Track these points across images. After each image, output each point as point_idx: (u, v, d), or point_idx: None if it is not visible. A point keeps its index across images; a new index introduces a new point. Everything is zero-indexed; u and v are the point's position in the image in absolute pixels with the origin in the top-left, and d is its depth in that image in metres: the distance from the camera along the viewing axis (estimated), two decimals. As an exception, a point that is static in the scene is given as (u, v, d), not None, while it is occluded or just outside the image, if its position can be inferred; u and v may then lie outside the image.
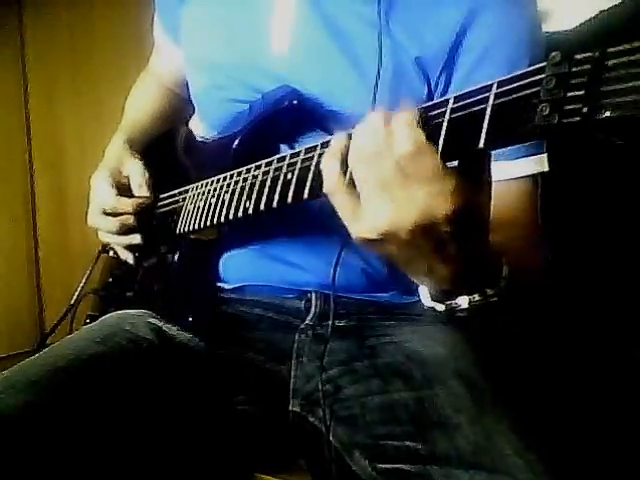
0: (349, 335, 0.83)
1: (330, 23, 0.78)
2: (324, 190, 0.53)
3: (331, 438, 0.75)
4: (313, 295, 0.85)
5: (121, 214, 0.91)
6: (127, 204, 0.91)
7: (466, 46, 0.75)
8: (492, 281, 0.56)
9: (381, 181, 0.48)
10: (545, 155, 0.78)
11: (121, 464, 0.67)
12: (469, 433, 0.64)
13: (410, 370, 0.74)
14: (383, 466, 0.66)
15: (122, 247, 0.95)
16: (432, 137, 0.47)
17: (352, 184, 0.51)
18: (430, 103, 0.49)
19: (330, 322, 0.78)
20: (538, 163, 0.78)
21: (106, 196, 0.91)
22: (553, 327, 1.11)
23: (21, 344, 1.65)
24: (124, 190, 0.93)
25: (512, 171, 0.76)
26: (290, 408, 0.82)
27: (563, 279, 1.02)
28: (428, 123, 0.48)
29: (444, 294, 0.58)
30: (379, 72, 0.73)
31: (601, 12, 1.05)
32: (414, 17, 0.76)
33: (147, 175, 0.93)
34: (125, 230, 0.91)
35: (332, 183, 0.52)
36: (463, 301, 0.57)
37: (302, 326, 0.85)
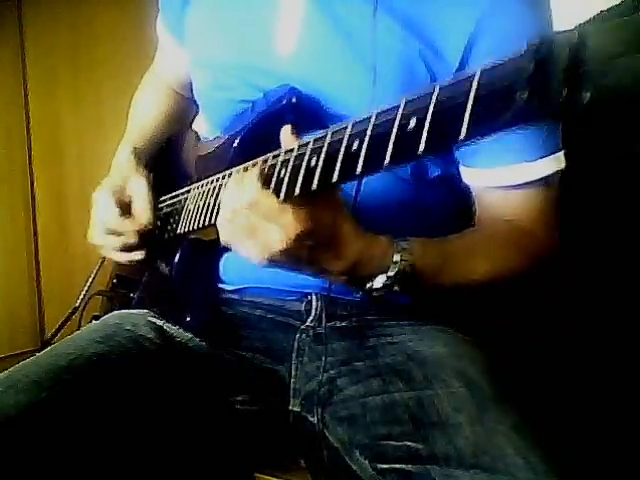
0: (349, 335, 0.83)
1: (339, 24, 0.77)
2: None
3: (331, 438, 0.75)
4: (313, 297, 0.84)
5: (123, 233, 0.91)
6: (129, 226, 0.90)
7: (478, 52, 0.74)
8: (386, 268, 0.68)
9: (243, 230, 0.62)
10: (562, 153, 0.78)
11: (122, 463, 0.67)
12: (469, 433, 0.64)
13: (410, 370, 0.74)
14: (383, 466, 0.66)
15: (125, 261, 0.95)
16: (417, 129, 0.47)
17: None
18: (414, 95, 0.49)
19: (324, 320, 0.82)
20: (556, 161, 0.77)
21: (109, 215, 0.90)
22: (555, 327, 1.11)
23: (21, 344, 1.65)
24: (126, 209, 0.92)
25: (532, 173, 0.76)
26: (290, 408, 0.82)
27: (567, 276, 1.03)
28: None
29: (351, 284, 0.70)
30: (376, 73, 0.74)
31: (601, 12, 1.05)
32: (425, 19, 0.75)
33: (150, 199, 0.93)
34: (127, 248, 0.91)
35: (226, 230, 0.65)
36: (376, 283, 0.68)
37: (303, 327, 0.85)
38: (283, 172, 0.61)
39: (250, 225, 0.62)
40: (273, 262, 0.64)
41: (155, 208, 0.94)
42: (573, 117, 0.38)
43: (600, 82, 0.36)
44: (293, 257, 0.63)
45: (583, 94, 0.36)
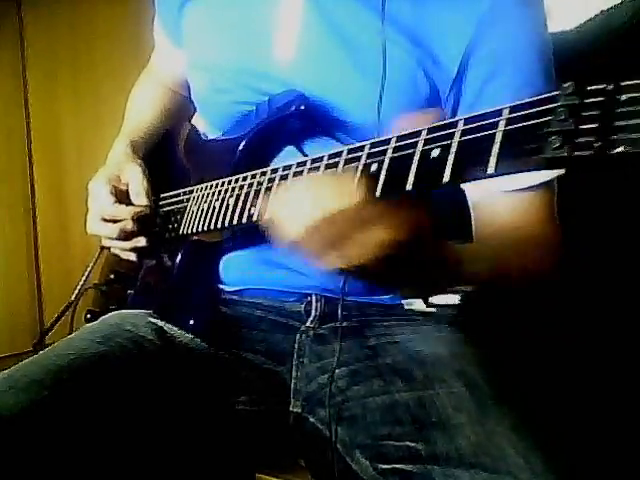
0: (350, 336, 0.83)
1: (337, 31, 0.77)
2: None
3: (332, 438, 0.75)
4: (313, 298, 0.84)
5: (120, 220, 0.90)
6: (125, 212, 0.90)
7: (478, 58, 0.74)
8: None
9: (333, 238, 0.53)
10: None
11: (122, 464, 0.67)
12: (470, 433, 0.64)
13: (411, 370, 0.74)
14: (384, 466, 0.66)
15: (125, 250, 0.95)
16: (440, 159, 0.47)
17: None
18: (439, 123, 0.49)
19: (339, 324, 0.80)
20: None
21: (105, 203, 0.90)
22: (555, 327, 1.11)
23: (21, 344, 1.65)
24: (123, 197, 0.92)
25: (531, 179, 0.77)
26: (291, 409, 0.82)
27: (568, 278, 1.03)
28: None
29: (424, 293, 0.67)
30: (383, 83, 0.73)
31: (601, 12, 1.05)
32: (423, 26, 0.75)
33: (146, 183, 0.92)
34: (126, 235, 0.91)
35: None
36: (450, 299, 0.66)
37: (303, 328, 0.85)
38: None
39: (343, 232, 0.53)
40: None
41: (152, 194, 0.93)
42: (603, 168, 0.37)
43: (633, 137, 0.35)
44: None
45: (616, 147, 0.36)
